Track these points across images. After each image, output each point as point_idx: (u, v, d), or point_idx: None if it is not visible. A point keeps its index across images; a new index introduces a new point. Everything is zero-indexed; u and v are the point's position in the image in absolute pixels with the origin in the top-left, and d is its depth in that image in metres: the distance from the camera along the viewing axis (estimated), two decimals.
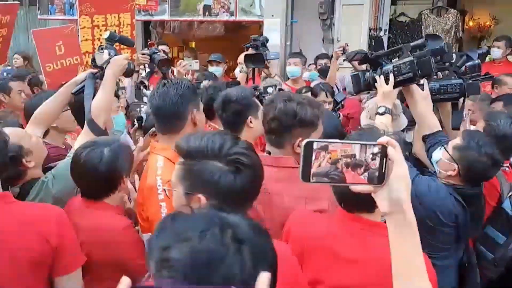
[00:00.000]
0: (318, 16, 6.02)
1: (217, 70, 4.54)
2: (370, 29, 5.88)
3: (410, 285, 0.83)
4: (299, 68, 4.24)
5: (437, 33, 5.83)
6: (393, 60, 2.03)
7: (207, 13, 6.20)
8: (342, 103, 3.35)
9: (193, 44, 7.60)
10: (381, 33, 6.00)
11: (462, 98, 2.08)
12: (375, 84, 2.00)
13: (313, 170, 0.82)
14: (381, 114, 2.03)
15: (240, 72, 3.60)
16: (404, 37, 6.17)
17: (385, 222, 0.87)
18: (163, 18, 6.59)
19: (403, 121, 2.40)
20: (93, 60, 2.24)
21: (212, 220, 0.75)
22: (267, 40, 3.31)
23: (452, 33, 5.85)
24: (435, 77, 2.13)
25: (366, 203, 1.21)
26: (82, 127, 2.05)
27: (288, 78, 4.39)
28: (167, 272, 0.70)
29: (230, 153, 1.13)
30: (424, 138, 2.05)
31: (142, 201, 1.73)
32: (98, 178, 1.62)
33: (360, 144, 0.83)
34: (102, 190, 1.66)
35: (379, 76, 1.98)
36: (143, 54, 3.20)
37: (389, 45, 6.19)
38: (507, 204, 2.06)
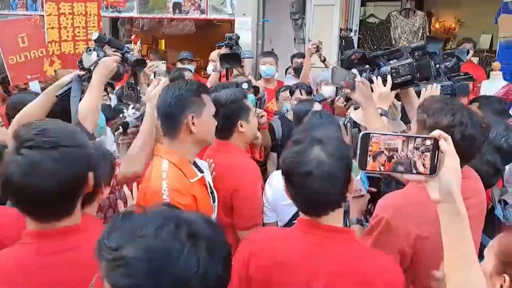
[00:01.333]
0: (289, 16, 6.02)
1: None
2: (340, 30, 5.93)
3: (459, 267, 0.89)
4: (274, 67, 4.22)
5: (405, 34, 5.96)
6: (391, 62, 1.98)
7: (177, 10, 6.08)
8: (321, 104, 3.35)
9: (163, 42, 7.46)
10: (352, 34, 6.07)
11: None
12: (372, 85, 1.95)
13: (369, 160, 0.91)
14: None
15: (214, 71, 3.53)
16: (373, 38, 6.27)
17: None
18: (132, 15, 6.43)
19: (399, 125, 2.35)
20: (80, 62, 2.14)
21: (167, 217, 0.76)
22: (238, 38, 3.26)
23: (420, 34, 5.98)
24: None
25: (329, 205, 1.22)
26: None
27: (260, 77, 4.36)
28: (122, 270, 0.70)
29: None
30: None
31: (144, 204, 1.64)
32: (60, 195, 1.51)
33: (414, 137, 0.90)
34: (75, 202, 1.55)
35: (377, 77, 1.93)
36: (115, 52, 3.10)
37: (359, 45, 6.27)
38: (498, 211, 2.04)
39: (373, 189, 1.80)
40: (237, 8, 5.56)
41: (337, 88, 4.27)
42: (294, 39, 6.08)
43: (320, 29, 5.76)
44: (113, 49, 3.12)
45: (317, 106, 2.71)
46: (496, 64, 4.69)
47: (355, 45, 6.11)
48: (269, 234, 1.43)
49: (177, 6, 6.08)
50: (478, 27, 7.37)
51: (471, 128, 1.42)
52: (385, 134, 0.92)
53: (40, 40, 3.80)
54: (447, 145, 0.89)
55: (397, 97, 2.13)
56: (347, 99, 3.50)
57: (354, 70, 1.93)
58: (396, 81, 1.88)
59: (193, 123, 1.68)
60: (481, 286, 0.90)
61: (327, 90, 3.94)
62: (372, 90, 1.99)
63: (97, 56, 2.04)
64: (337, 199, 1.23)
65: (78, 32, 4.08)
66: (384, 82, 1.90)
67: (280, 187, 1.36)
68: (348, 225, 2.00)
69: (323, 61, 4.38)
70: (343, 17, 5.96)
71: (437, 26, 8.59)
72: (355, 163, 1.70)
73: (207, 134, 1.76)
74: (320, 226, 1.24)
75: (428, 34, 6.36)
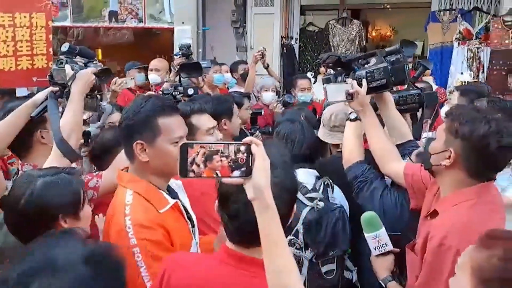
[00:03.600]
0: (230, 24, 6.01)
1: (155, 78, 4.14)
2: (281, 38, 6.01)
3: (273, 255, 0.98)
4: (223, 75, 4.16)
5: (343, 42, 6.14)
6: (365, 66, 1.95)
7: (113, 19, 5.86)
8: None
9: (100, 52, 7.16)
10: (292, 42, 6.16)
11: (421, 108, 2.03)
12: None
13: (189, 168, 0.96)
14: (352, 120, 1.96)
15: (167, 81, 3.42)
16: (313, 45, 6.40)
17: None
18: (65, 24, 6.10)
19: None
20: (51, 76, 1.96)
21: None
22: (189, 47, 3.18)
23: (357, 42, 6.18)
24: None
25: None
26: (15, 152, 1.84)
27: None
28: None
29: None
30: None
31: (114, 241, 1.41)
32: (22, 219, 1.34)
33: (229, 144, 0.98)
34: (29, 236, 1.29)
35: (352, 81, 1.89)
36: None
37: (300, 53, 6.38)
38: None
39: (396, 250, 1.65)
40: (176, 17, 5.46)
41: (277, 93, 4.29)
42: (236, 47, 6.08)
43: (261, 37, 5.80)
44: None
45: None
46: (427, 70, 4.93)
47: (296, 52, 6.23)
48: (192, 257, 1.33)
49: (113, 15, 5.86)
50: (411, 34, 7.75)
51: (507, 136, 1.35)
52: (205, 143, 0.98)
53: None
54: (257, 147, 0.98)
55: None
56: (285, 104, 3.51)
57: (349, 80, 1.91)
58: (371, 85, 1.86)
59: (144, 150, 1.45)
60: (292, 269, 0.98)
61: (268, 97, 3.94)
62: None
63: (72, 69, 1.88)
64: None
65: (21, 47, 3.63)
66: (360, 86, 1.86)
67: None
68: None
69: (266, 67, 4.39)
70: (283, 25, 6.04)
71: (373, 34, 8.98)
72: (376, 218, 1.59)
73: (164, 165, 1.47)
74: (246, 259, 1.12)
75: (364, 42, 6.59)
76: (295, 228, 1.84)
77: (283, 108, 3.44)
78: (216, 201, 1.16)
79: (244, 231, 1.09)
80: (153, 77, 3.96)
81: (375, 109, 1.99)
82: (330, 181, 1.97)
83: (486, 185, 1.45)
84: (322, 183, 1.94)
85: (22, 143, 1.90)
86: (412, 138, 1.97)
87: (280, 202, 1.01)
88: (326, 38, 6.24)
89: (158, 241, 1.38)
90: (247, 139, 0.98)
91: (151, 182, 1.50)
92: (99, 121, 2.51)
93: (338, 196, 1.96)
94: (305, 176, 1.94)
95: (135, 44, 7.00)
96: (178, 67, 3.02)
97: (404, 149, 1.90)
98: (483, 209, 1.41)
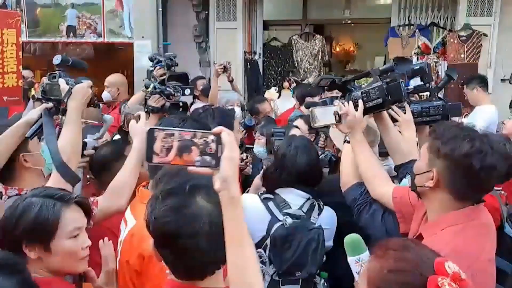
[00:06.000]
0: (193, 39, 5.94)
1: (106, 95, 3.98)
2: (245, 52, 5.98)
3: (235, 248, 0.94)
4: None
5: (306, 57, 6.19)
6: (361, 86, 1.90)
7: (71, 34, 5.71)
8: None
9: None
10: (256, 56, 6.15)
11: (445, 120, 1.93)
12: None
13: (154, 153, 0.93)
14: (349, 142, 1.87)
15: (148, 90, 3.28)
16: (277, 60, 6.42)
17: None
18: (20, 40, 5.89)
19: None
20: (44, 92, 1.83)
21: None
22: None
23: (320, 57, 6.24)
24: (414, 99, 2.02)
25: (218, 264, 1.03)
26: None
27: None
28: None
29: None
30: (396, 169, 1.87)
31: (139, 270, 1.32)
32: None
33: (198, 132, 0.94)
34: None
35: (348, 102, 1.83)
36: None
37: (264, 68, 6.38)
38: (508, 229, 1.86)
39: None
40: (136, 31, 5.36)
41: (242, 108, 4.23)
42: (200, 62, 6.01)
43: (224, 52, 5.76)
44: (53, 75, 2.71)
45: (294, 131, 2.56)
46: None
47: (260, 67, 6.22)
48: None
49: (71, 30, 5.72)
50: (373, 49, 7.96)
51: (491, 156, 1.26)
52: (173, 129, 0.95)
53: None
54: (227, 136, 0.94)
55: None
56: (245, 127, 3.38)
57: (336, 102, 1.86)
58: (367, 105, 1.80)
59: None
60: (253, 266, 0.95)
61: None
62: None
63: (67, 83, 1.75)
64: (225, 255, 1.02)
65: None
66: (356, 107, 1.80)
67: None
68: None
69: (231, 81, 4.32)
70: (246, 40, 6.03)
71: (337, 49, 9.13)
72: (360, 241, 1.42)
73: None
74: None
75: (327, 56, 6.67)
76: (265, 242, 1.83)
77: (244, 131, 3.33)
78: (151, 241, 1.05)
79: (196, 265, 1.01)
80: (104, 95, 3.81)
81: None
82: (321, 203, 1.93)
83: (474, 208, 1.37)
84: (310, 203, 1.91)
85: (5, 167, 1.75)
86: (416, 157, 1.85)
87: None
88: (290, 53, 6.27)
89: None
90: (217, 128, 0.95)
91: None
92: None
93: (325, 219, 1.92)
94: (293, 196, 1.93)
95: (95, 59, 6.84)
96: (159, 77, 2.95)
97: (404, 169, 1.81)
98: (471, 233, 1.34)
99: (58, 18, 5.74)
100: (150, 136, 0.93)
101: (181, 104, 2.53)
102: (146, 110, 2.39)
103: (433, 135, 1.38)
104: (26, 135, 1.72)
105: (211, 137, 0.94)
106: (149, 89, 2.47)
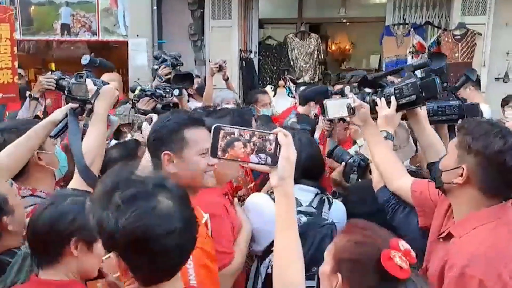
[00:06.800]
0: (188, 37, 5.93)
1: None
2: (240, 51, 5.98)
3: (284, 234, 1.08)
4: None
5: (302, 55, 6.19)
6: (395, 82, 1.87)
7: (66, 32, 5.69)
8: None
9: (53, 65, 6.91)
10: (251, 55, 6.14)
11: (461, 120, 1.89)
12: (376, 107, 1.83)
13: (219, 150, 1.02)
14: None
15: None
16: (273, 59, 6.41)
17: None
18: (15, 35, 5.86)
19: (412, 149, 2.20)
20: (69, 91, 1.82)
21: None
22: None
23: (315, 55, 6.25)
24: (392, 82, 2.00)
25: (183, 262, 1.01)
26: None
27: None
28: None
29: None
30: (429, 166, 1.84)
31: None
32: (37, 241, 1.31)
33: (257, 131, 1.03)
34: (42, 259, 1.32)
35: (380, 99, 1.81)
36: (48, 79, 2.59)
37: (260, 66, 6.37)
38: None
39: None
40: (131, 30, 5.34)
41: (238, 107, 4.23)
42: (195, 60, 6.00)
43: (219, 50, 5.75)
44: (46, 76, 2.68)
45: None
46: None
47: (256, 66, 6.21)
48: None
49: (65, 28, 5.69)
50: (369, 48, 7.97)
51: None
52: (236, 128, 1.03)
53: None
54: (284, 137, 1.02)
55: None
56: None
57: (350, 95, 1.84)
58: (400, 102, 1.77)
59: (172, 161, 1.47)
60: (297, 248, 1.08)
61: None
62: (374, 113, 1.87)
63: (94, 84, 1.74)
64: (190, 251, 1.02)
65: None
66: (389, 104, 1.78)
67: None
68: None
69: (226, 80, 4.32)
70: (242, 38, 6.02)
71: (333, 48, 9.14)
72: None
73: (191, 177, 1.48)
74: None
75: (323, 55, 6.67)
76: None
77: None
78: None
79: (167, 265, 0.99)
80: None
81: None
82: (330, 197, 1.92)
83: (503, 205, 1.36)
84: (320, 198, 1.90)
85: None
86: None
87: None
88: (285, 52, 6.27)
89: (208, 251, 1.41)
90: (276, 129, 1.04)
91: None
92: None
93: (336, 213, 1.91)
94: (301, 192, 1.90)
95: None
96: (165, 76, 3.00)
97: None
98: (504, 232, 1.31)
99: (52, 16, 5.72)
100: (216, 133, 1.02)
101: (171, 105, 2.53)
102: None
103: (463, 131, 1.36)
104: (51, 134, 1.72)
105: (270, 136, 1.02)
106: (136, 93, 2.46)
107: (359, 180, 2.21)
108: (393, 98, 1.79)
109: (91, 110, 1.75)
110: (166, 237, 0.93)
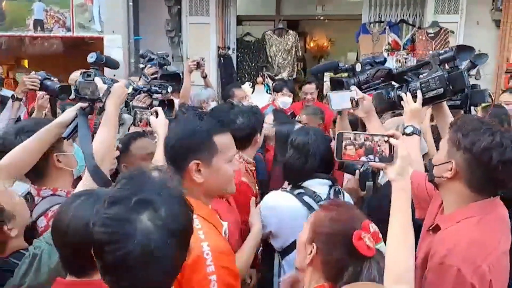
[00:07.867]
0: (165, 33, 5.87)
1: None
2: (218, 48, 5.96)
3: (403, 229, 1.19)
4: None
5: (280, 52, 6.21)
6: (420, 76, 1.83)
7: (39, 28, 5.55)
8: None
9: (26, 62, 6.75)
10: (230, 52, 6.13)
11: (469, 107, 1.86)
12: (401, 102, 1.82)
13: (343, 152, 1.25)
14: (409, 134, 1.78)
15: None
16: (251, 55, 6.41)
17: None
18: None
19: (423, 146, 2.18)
20: (76, 91, 1.76)
21: None
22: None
23: (293, 52, 6.27)
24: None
25: None
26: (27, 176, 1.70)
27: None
28: None
29: None
30: (430, 161, 1.82)
31: (179, 278, 1.20)
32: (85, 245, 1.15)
33: (372, 134, 1.25)
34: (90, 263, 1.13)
35: (406, 93, 1.79)
36: (32, 79, 2.56)
37: (238, 63, 6.37)
38: None
39: None
40: (106, 26, 5.26)
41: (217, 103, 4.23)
42: (172, 57, 5.94)
43: (197, 47, 5.72)
44: (30, 76, 2.59)
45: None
46: None
47: (234, 62, 6.21)
48: None
49: (38, 24, 5.55)
50: (346, 45, 8.05)
51: (510, 151, 1.27)
52: (355, 133, 1.25)
53: None
54: (395, 140, 1.20)
55: None
56: None
57: (353, 87, 1.85)
58: (426, 96, 1.74)
59: (199, 170, 1.39)
60: (413, 241, 1.18)
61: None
62: (394, 108, 1.93)
63: (104, 82, 1.68)
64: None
65: None
66: (414, 98, 1.76)
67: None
68: None
69: (205, 77, 4.31)
70: (220, 35, 6.00)
71: (312, 45, 9.20)
72: None
73: (218, 185, 1.46)
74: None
75: (301, 52, 6.71)
76: None
77: None
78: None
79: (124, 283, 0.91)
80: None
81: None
82: (340, 187, 2.02)
83: (491, 201, 1.39)
84: (333, 190, 1.95)
85: (35, 167, 1.69)
86: None
87: None
88: (263, 48, 6.28)
89: (233, 269, 1.35)
90: (390, 131, 1.23)
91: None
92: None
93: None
94: (319, 186, 1.94)
95: (64, 53, 6.67)
96: (150, 76, 2.96)
97: None
98: (487, 226, 1.35)
99: (25, 12, 5.57)
100: (340, 138, 1.24)
101: (166, 102, 2.50)
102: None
103: (454, 128, 1.40)
104: (63, 135, 1.68)
105: (384, 138, 1.21)
106: (129, 91, 2.42)
107: (375, 185, 2.24)
108: (419, 92, 1.77)
109: (102, 109, 1.70)
110: (120, 256, 0.86)
